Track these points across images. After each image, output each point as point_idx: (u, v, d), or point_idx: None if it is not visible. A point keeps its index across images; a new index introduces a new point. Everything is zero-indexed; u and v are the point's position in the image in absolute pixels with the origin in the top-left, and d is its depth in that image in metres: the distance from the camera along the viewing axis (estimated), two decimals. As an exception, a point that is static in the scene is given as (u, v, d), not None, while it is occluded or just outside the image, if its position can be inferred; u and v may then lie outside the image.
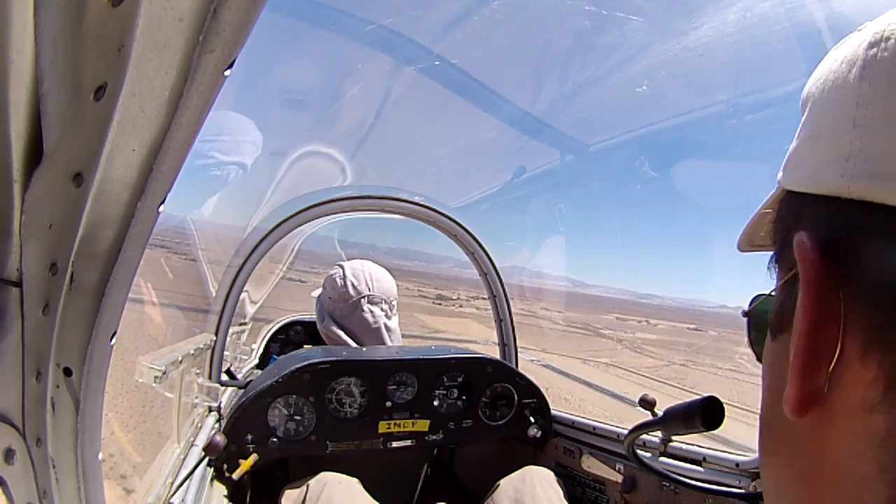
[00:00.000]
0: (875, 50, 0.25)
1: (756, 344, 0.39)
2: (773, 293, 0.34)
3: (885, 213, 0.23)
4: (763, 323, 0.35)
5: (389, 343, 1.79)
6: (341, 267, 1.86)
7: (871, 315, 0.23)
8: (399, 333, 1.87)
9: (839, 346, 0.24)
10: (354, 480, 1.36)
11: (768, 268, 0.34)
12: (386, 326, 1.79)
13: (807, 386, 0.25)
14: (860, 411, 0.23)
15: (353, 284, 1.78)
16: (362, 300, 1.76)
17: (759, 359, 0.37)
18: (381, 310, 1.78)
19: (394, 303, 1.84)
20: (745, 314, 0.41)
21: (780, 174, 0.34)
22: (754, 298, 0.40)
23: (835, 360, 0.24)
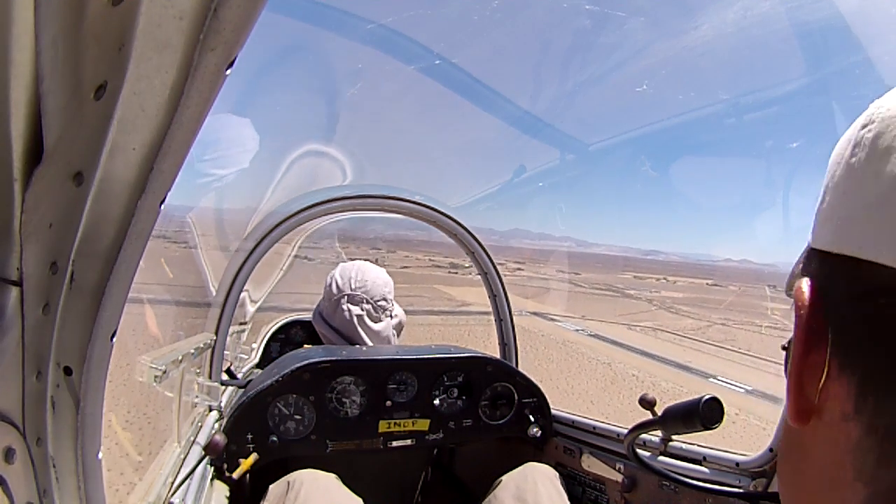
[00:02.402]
0: (863, 131, 0.30)
1: None
2: None
3: (852, 264, 0.28)
4: None
5: (368, 341, 1.77)
6: (336, 268, 1.88)
7: (846, 342, 0.29)
8: (389, 336, 1.84)
9: (826, 368, 0.29)
10: (332, 476, 1.36)
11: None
12: (363, 324, 1.77)
13: (800, 400, 0.30)
14: (840, 422, 0.28)
15: (337, 283, 1.80)
16: (343, 298, 1.77)
17: None
18: (363, 309, 1.77)
19: (381, 303, 1.81)
20: (784, 349, 0.45)
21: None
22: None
23: (823, 379, 0.29)
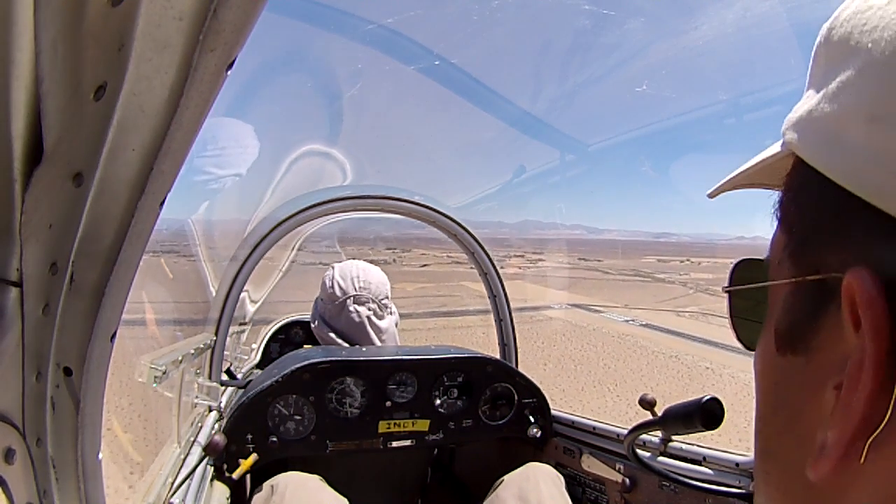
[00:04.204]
0: None
1: (743, 329, 0.34)
2: (762, 262, 0.30)
3: None
4: (754, 312, 0.32)
5: (377, 341, 1.77)
6: (332, 269, 1.86)
7: None
8: (394, 334, 1.85)
9: (889, 412, 0.19)
10: (316, 477, 1.36)
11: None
12: (372, 324, 1.77)
13: (842, 453, 0.20)
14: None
15: (339, 285, 1.78)
16: (348, 300, 1.76)
17: (745, 345, 0.34)
18: (369, 309, 1.77)
19: (385, 302, 1.82)
20: (728, 291, 0.35)
21: (790, 134, 0.26)
22: (736, 268, 0.35)
23: (881, 427, 0.19)
